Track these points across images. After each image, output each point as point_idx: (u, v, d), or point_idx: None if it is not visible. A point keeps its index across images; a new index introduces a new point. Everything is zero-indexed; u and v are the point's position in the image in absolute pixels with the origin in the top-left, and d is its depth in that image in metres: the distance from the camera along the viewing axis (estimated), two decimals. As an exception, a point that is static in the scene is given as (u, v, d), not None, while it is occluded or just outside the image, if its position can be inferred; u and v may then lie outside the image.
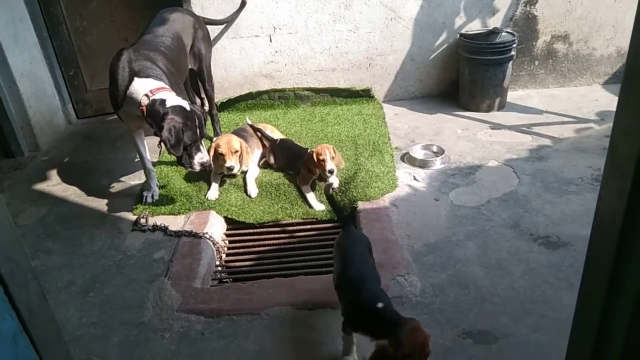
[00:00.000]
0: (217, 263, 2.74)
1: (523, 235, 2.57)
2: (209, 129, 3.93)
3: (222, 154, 3.04)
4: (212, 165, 3.16)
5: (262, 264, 2.73)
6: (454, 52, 4.13)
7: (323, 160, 2.97)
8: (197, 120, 2.70)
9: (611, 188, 0.91)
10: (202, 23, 3.57)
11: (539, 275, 2.30)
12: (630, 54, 0.82)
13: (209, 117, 3.87)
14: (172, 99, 2.66)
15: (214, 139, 3.76)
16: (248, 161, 3.21)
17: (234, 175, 3.23)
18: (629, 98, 0.83)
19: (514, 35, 3.87)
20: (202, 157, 2.76)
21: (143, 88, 2.69)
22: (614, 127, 0.90)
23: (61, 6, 4.05)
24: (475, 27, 4.07)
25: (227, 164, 3.03)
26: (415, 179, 3.17)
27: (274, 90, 4.30)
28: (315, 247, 2.78)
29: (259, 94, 4.30)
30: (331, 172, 2.97)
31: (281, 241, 2.87)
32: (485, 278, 2.31)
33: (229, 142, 3.07)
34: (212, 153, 3.06)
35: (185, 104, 2.69)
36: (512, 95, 4.18)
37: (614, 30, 4.09)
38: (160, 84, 2.73)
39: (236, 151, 3.06)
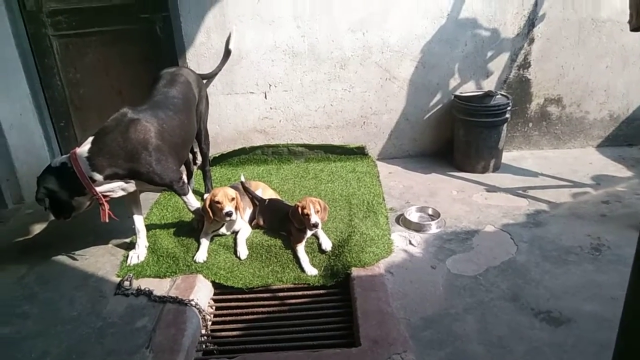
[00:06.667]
0: (203, 332, 2.60)
1: (524, 309, 2.47)
2: (200, 185, 3.86)
3: (219, 202, 2.92)
4: (205, 223, 3.08)
5: (251, 334, 2.59)
6: (448, 113, 4.14)
7: (307, 215, 2.89)
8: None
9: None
10: (202, 82, 3.57)
11: (542, 355, 2.19)
12: None
13: (200, 173, 3.81)
14: None
15: (205, 196, 3.70)
16: (243, 214, 3.14)
17: (225, 233, 3.14)
18: None
19: (508, 98, 3.90)
20: None
21: None
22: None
23: (56, 58, 4.04)
24: (469, 88, 4.11)
25: (226, 210, 2.91)
26: (410, 243, 3.08)
27: (268, 146, 4.26)
28: (307, 317, 2.65)
29: (253, 149, 4.27)
30: (315, 225, 2.89)
31: (271, 309, 2.74)
32: (486, 357, 2.19)
33: (224, 191, 2.99)
34: (207, 205, 2.96)
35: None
36: (507, 156, 4.17)
37: (606, 94, 4.14)
38: None
39: (233, 199, 2.98)
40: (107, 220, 2.83)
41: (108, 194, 2.81)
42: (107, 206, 2.82)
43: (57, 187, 2.74)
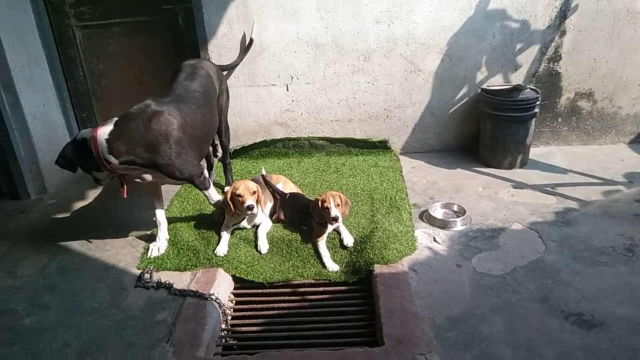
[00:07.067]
0: (223, 327, 2.56)
1: (553, 311, 2.38)
2: (220, 178, 3.83)
3: (240, 195, 2.89)
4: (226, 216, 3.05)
5: (271, 330, 2.55)
6: (474, 107, 4.03)
7: (327, 208, 2.84)
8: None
9: None
10: (223, 75, 3.52)
11: None
12: None
13: (220, 166, 3.78)
14: None
15: (226, 188, 3.67)
16: (264, 207, 3.10)
17: (245, 227, 3.11)
18: None
19: (537, 92, 3.77)
20: None
21: None
22: None
23: (79, 49, 4.05)
24: (497, 82, 3.99)
25: (247, 203, 2.88)
26: (435, 240, 3.01)
27: (289, 139, 4.22)
28: (328, 314, 2.59)
29: (274, 142, 4.22)
30: (335, 219, 2.84)
31: (292, 304, 2.69)
32: (514, 361, 2.11)
33: (245, 184, 2.95)
34: (228, 198, 2.93)
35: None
36: (535, 152, 4.05)
37: (641, 89, 3.99)
38: None
39: (254, 192, 2.94)
40: (126, 197, 2.83)
41: (125, 173, 2.81)
42: (127, 183, 2.82)
43: (77, 159, 2.75)
